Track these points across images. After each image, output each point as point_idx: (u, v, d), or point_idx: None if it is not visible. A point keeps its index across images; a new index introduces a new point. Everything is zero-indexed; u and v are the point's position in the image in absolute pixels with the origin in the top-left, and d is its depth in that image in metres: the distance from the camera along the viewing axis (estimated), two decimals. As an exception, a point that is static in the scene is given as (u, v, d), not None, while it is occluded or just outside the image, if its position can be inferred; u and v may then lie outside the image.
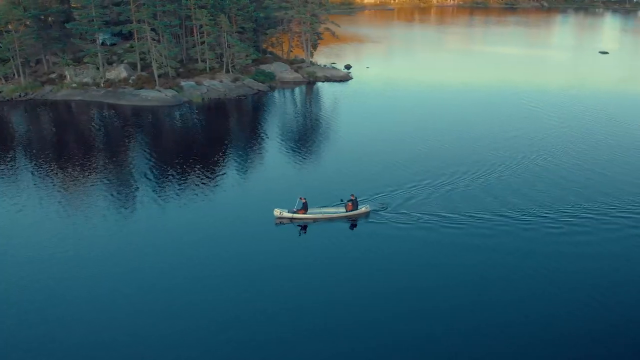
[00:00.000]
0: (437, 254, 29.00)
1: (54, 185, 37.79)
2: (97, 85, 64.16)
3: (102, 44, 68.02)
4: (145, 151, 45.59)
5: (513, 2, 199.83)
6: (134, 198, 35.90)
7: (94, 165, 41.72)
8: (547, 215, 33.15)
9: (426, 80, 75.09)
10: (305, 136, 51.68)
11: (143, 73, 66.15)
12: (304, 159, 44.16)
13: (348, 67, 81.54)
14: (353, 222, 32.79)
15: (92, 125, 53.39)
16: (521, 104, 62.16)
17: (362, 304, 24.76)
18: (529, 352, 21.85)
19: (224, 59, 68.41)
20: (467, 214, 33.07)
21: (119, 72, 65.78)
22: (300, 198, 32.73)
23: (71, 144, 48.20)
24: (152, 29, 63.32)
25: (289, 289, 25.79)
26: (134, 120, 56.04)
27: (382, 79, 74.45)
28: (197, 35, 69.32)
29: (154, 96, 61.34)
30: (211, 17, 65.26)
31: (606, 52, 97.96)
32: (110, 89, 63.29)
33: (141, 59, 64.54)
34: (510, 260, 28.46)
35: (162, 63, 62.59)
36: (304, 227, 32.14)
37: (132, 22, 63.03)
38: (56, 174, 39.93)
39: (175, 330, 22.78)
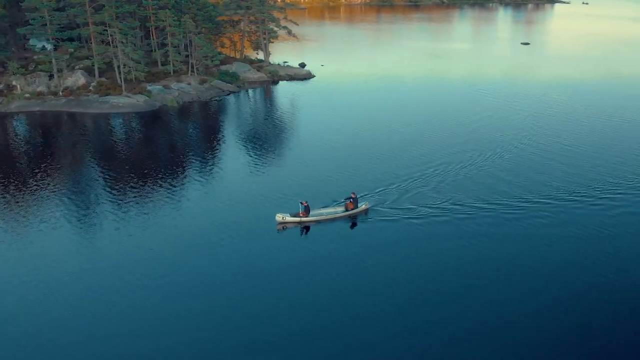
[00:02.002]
0: (439, 246, 29.54)
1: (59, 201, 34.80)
2: (55, 94, 59.08)
3: (42, 49, 62.81)
4: (133, 158, 43.33)
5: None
6: (132, 206, 34.14)
7: (90, 177, 38.97)
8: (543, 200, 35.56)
9: (379, 74, 77.62)
10: (290, 136, 50.22)
11: (103, 79, 62.04)
12: (296, 159, 43.31)
13: (302, 65, 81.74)
14: (354, 221, 32.72)
15: (71, 136, 49.25)
16: (477, 93, 66.76)
17: (374, 301, 24.88)
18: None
19: (190, 61, 65.91)
20: (463, 203, 34.49)
21: (77, 78, 61.09)
22: (302, 202, 32.19)
23: (62, 155, 44.23)
24: (105, 32, 59.59)
25: (300, 290, 25.65)
26: (112, 128, 52.48)
27: (341, 76, 75.73)
28: (156, 38, 66.18)
29: (126, 102, 57.75)
30: (175, 18, 62.61)
31: (527, 43, 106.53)
32: (71, 97, 58.57)
33: (105, 64, 60.43)
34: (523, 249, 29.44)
35: (131, 67, 59.02)
36: (307, 229, 31.73)
37: (88, 25, 58.80)
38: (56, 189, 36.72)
39: (182, 338, 22.30)
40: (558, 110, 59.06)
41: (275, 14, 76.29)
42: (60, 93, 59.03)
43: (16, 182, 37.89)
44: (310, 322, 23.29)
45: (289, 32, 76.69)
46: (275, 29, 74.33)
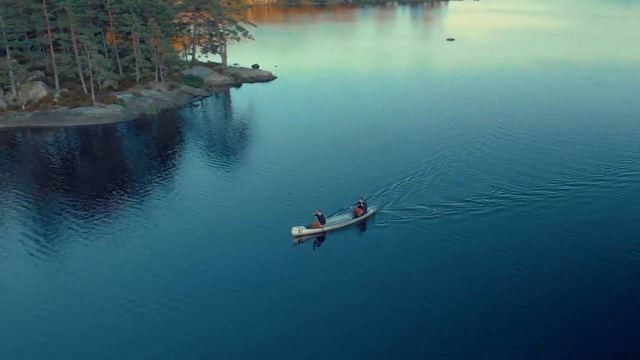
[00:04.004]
0: (454, 246, 29.87)
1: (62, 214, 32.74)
2: (16, 108, 53.98)
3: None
4: (129, 171, 41.23)
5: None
6: (130, 217, 33.15)
7: (93, 194, 36.93)
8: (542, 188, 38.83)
9: (334, 72, 79.38)
10: (280, 139, 48.71)
11: (65, 89, 57.68)
12: (295, 163, 42.37)
13: (256, 66, 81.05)
14: (364, 226, 32.47)
15: (56, 153, 45.49)
16: (432, 87, 70.82)
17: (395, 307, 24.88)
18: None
19: (157, 66, 63.05)
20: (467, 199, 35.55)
21: (37, 90, 56.21)
22: (316, 213, 31.33)
23: (53, 176, 40.87)
24: (63, 39, 55.63)
25: (325, 305, 24.98)
26: (96, 142, 48.92)
27: (300, 76, 76.35)
28: (116, 44, 62.58)
29: (102, 113, 54.19)
30: (142, 22, 59.68)
31: (452, 39, 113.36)
32: (37, 111, 53.83)
33: (73, 73, 56.20)
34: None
35: (103, 76, 55.39)
36: (321, 239, 30.94)
37: (47, 32, 54.45)
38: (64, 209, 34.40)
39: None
40: (509, 97, 64.46)
41: (234, 16, 74.95)
42: (24, 107, 54.02)
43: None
44: (340, 338, 22.70)
45: (245, 34, 75.84)
46: (238, 31, 73.08)
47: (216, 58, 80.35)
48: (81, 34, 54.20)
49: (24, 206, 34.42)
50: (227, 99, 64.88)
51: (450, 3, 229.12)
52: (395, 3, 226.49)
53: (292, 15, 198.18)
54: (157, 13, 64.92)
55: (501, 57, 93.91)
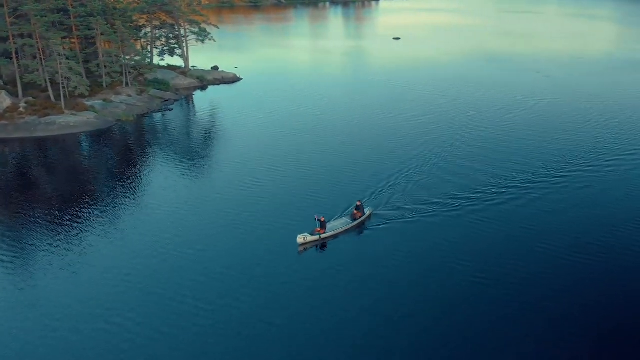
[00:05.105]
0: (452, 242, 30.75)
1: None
2: (-21, 119, 50.71)
3: None
4: (118, 178, 40.28)
5: (256, 0, 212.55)
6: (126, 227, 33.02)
7: (98, 200, 36.13)
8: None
9: (296, 72, 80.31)
10: (262, 140, 48.66)
11: (30, 98, 54.78)
12: (282, 166, 42.13)
13: (216, 68, 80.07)
14: (363, 228, 32.64)
15: (34, 165, 43.41)
16: (396, 85, 73.55)
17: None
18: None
19: (124, 71, 61.05)
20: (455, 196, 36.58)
21: (2, 100, 53.00)
22: (318, 218, 31.13)
23: (55, 186, 39.15)
24: (29, 45, 52.97)
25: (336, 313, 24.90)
26: (76, 151, 46.95)
27: (265, 77, 76.34)
28: (80, 48, 60.03)
29: (77, 121, 51.98)
30: (109, 26, 57.66)
31: (399, 38, 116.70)
32: (4, 121, 50.81)
33: (43, 80, 53.45)
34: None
35: (75, 82, 53.03)
36: (324, 245, 30.68)
37: (9, 39, 51.52)
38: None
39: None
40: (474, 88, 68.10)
41: (198, 18, 73.67)
42: (-12, 118, 50.80)
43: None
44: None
45: (207, 36, 74.77)
46: (202, 33, 71.94)
47: (174, 61, 78.74)
48: (48, 39, 51.68)
49: (20, 222, 32.79)
50: (199, 102, 63.87)
51: (381, 3, 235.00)
52: (328, 3, 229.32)
53: (226, 16, 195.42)
54: (120, 16, 62.91)
55: (450, 53, 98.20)
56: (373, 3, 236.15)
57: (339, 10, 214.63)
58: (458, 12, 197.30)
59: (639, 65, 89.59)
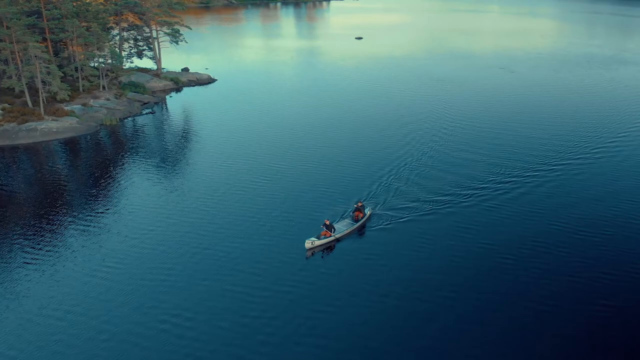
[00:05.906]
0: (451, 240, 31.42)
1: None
2: (-46, 128, 48.13)
3: None
4: (114, 182, 39.80)
5: (207, 0, 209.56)
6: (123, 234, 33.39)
7: (97, 211, 35.49)
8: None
9: (269, 72, 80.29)
10: (248, 141, 48.64)
11: (6, 104, 52.41)
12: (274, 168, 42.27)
13: (186, 69, 78.84)
14: (364, 229, 32.79)
15: (22, 174, 41.75)
16: (366, 82, 74.80)
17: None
18: None
19: (101, 74, 59.26)
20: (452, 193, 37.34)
21: (-25, 107, 50.48)
22: (324, 222, 31.19)
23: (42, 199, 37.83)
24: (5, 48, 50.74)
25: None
26: (64, 158, 45.19)
27: (238, 77, 75.95)
28: (53, 52, 57.87)
29: (59, 127, 50.15)
30: (85, 28, 55.86)
31: (361, 38, 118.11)
32: (-19, 129, 48.45)
33: (21, 85, 51.15)
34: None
35: (55, 87, 51.10)
36: (330, 249, 30.66)
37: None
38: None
39: None
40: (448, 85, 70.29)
41: (171, 19, 72.23)
42: (-37, 126, 48.28)
43: None
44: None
45: (178, 37, 73.57)
46: (175, 34, 70.65)
47: (142, 63, 77.09)
48: (25, 42, 49.61)
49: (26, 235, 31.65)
50: (178, 104, 62.70)
51: (332, 3, 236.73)
52: (279, 3, 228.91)
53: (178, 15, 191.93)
54: (93, 17, 61.04)
55: (415, 52, 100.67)
56: (324, 3, 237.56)
57: (291, 10, 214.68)
58: (409, 11, 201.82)
59: (593, 59, 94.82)
